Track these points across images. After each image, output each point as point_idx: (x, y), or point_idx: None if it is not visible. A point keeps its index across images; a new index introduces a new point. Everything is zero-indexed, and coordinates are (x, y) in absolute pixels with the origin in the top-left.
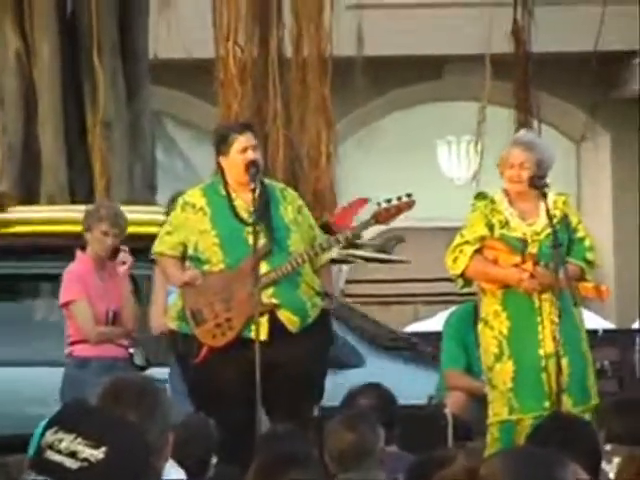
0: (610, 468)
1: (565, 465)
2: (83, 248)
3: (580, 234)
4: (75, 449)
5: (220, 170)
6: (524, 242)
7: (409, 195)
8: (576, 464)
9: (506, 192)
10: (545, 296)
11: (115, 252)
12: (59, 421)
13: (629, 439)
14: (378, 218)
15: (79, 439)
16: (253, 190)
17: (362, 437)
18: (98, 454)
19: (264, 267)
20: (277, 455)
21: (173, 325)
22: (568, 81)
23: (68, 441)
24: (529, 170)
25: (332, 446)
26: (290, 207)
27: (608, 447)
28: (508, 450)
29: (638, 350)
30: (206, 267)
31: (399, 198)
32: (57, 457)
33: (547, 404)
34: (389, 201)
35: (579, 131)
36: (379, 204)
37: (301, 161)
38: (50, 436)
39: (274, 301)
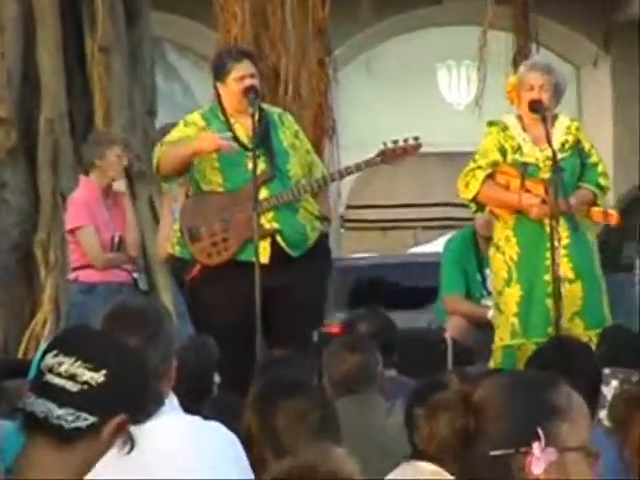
0: (608, 390)
1: (558, 387)
2: (86, 173)
3: (593, 159)
4: (75, 372)
5: (218, 97)
6: (535, 167)
7: (416, 138)
8: (570, 386)
9: (519, 117)
10: (557, 221)
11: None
12: (59, 344)
13: (627, 362)
14: (384, 158)
15: (79, 362)
16: (252, 115)
17: (365, 359)
18: (98, 377)
19: (264, 192)
20: (275, 381)
21: (172, 250)
22: (569, 6)
23: (68, 364)
24: (548, 92)
25: (334, 369)
26: (288, 131)
27: (607, 370)
28: (501, 374)
29: (638, 274)
30: (206, 188)
31: (405, 140)
32: (57, 380)
33: (550, 330)
34: (396, 142)
35: (579, 55)
36: (385, 144)
37: (299, 86)
38: (50, 359)
39: (275, 225)
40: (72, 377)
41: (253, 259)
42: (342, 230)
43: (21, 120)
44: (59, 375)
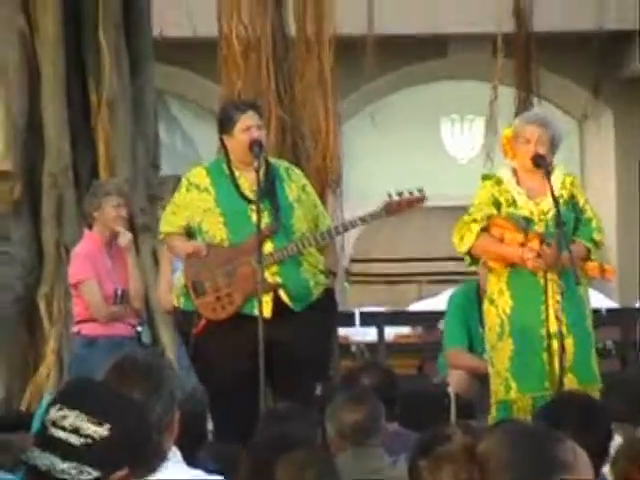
0: (612, 446)
1: (563, 442)
2: (89, 226)
3: (587, 214)
4: (79, 425)
5: (224, 148)
6: (527, 221)
7: (420, 190)
8: (580, 442)
9: (514, 171)
10: (551, 276)
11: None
12: (63, 398)
13: (631, 417)
14: (388, 210)
15: (83, 415)
16: (257, 170)
17: (372, 412)
18: (102, 431)
19: (268, 246)
20: (276, 435)
21: (177, 302)
22: (571, 60)
23: (72, 417)
24: (544, 146)
25: (341, 422)
26: (294, 185)
27: (611, 426)
28: (505, 425)
29: None
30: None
31: (411, 192)
32: (61, 434)
33: (547, 384)
34: (400, 194)
35: (582, 109)
36: (390, 196)
37: (303, 139)
38: (54, 413)
39: (277, 280)
40: (76, 431)
41: (256, 313)
42: (346, 284)
43: (25, 173)
44: (63, 429)
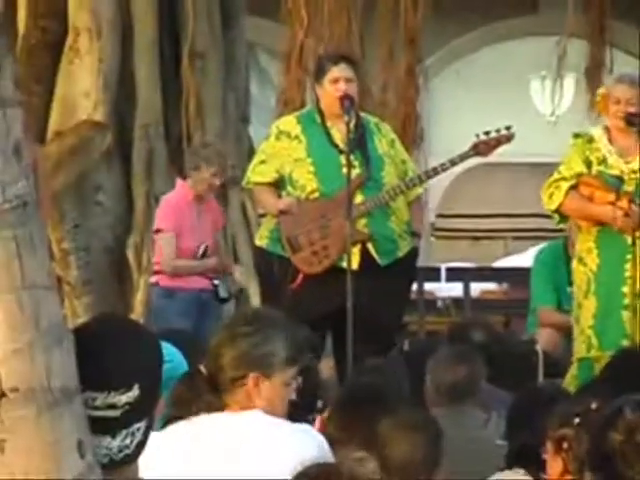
0: None
1: None
2: (184, 177)
3: None
4: (112, 401)
5: (316, 99)
6: (620, 179)
7: (508, 128)
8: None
9: (606, 128)
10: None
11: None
12: (85, 381)
13: None
14: (478, 150)
15: (112, 393)
16: (347, 123)
17: (472, 372)
18: (134, 393)
19: (359, 197)
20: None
21: (263, 243)
22: None
23: (102, 398)
24: (635, 106)
25: (440, 379)
26: (384, 140)
27: None
28: None
29: None
30: (301, 195)
31: (498, 131)
32: (96, 413)
33: (626, 343)
34: (487, 133)
35: None
36: (478, 136)
37: (383, 97)
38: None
39: (366, 231)
40: (111, 406)
41: (344, 265)
42: (432, 238)
43: (116, 124)
44: (96, 408)
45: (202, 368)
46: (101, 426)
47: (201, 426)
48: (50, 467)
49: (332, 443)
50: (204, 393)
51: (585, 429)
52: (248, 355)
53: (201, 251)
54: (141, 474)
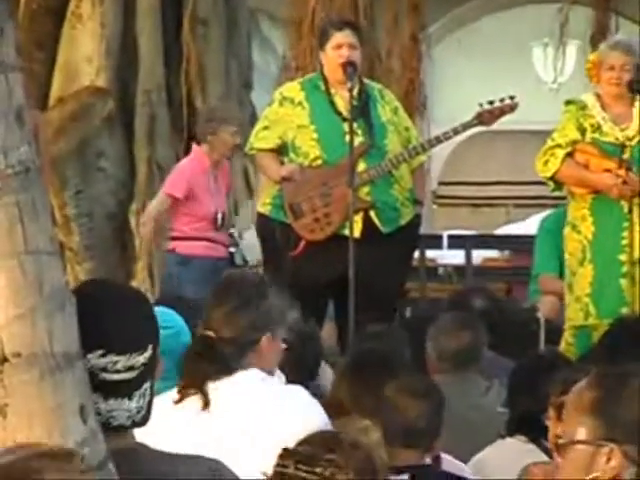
0: None
1: None
2: (198, 143)
3: None
4: (132, 363)
5: (320, 65)
6: (622, 146)
7: (512, 97)
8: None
9: (598, 96)
10: (637, 201)
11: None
12: (105, 344)
13: None
14: (481, 119)
15: (133, 354)
16: (350, 90)
17: (476, 339)
18: (148, 352)
19: (361, 165)
20: (370, 354)
21: (265, 210)
22: None
23: (124, 361)
24: (629, 73)
25: (444, 345)
26: (388, 107)
27: None
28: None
29: None
30: (304, 162)
31: (502, 100)
32: (116, 376)
33: (624, 310)
34: (491, 103)
35: None
36: (481, 105)
37: (391, 61)
38: (99, 359)
39: (369, 199)
40: (130, 368)
41: (347, 233)
42: (434, 206)
43: (119, 90)
44: (117, 372)
45: (211, 333)
46: (120, 389)
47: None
48: (52, 432)
49: (339, 409)
50: (216, 358)
51: None
52: (262, 318)
53: (220, 217)
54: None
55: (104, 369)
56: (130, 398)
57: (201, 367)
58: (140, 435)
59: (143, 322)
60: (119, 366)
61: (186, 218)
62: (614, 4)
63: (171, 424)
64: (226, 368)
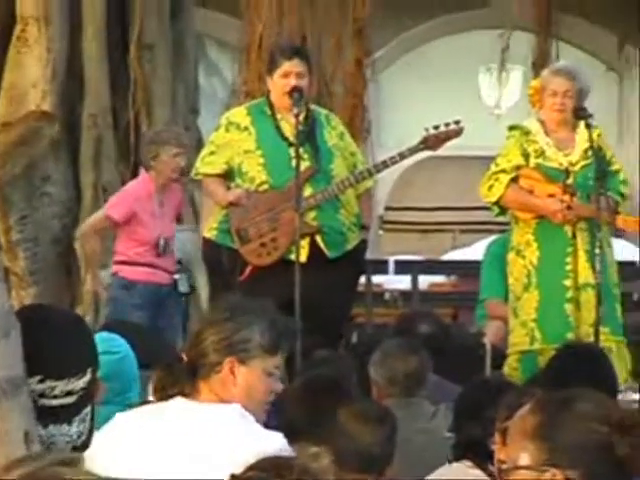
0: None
1: None
2: (146, 169)
3: (615, 167)
4: (70, 388)
5: (267, 90)
6: (566, 171)
7: (457, 122)
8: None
9: (542, 121)
10: (580, 226)
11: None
12: (43, 369)
13: None
14: (428, 143)
15: (71, 379)
16: (297, 115)
17: (423, 363)
18: (87, 377)
19: (308, 189)
20: (320, 380)
21: (212, 235)
22: (610, 10)
23: (62, 386)
24: (572, 99)
25: (393, 370)
26: (334, 132)
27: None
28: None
29: None
30: (251, 187)
31: (447, 124)
32: (55, 402)
33: (570, 335)
34: (437, 127)
35: (621, 62)
36: (427, 130)
37: (330, 89)
38: (37, 385)
39: (315, 224)
40: (69, 393)
41: (293, 257)
42: (380, 232)
43: (65, 114)
44: (55, 397)
45: (183, 356)
46: (59, 414)
47: (166, 410)
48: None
49: (290, 435)
50: (182, 381)
51: None
52: (227, 339)
53: (162, 244)
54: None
55: (42, 394)
56: (70, 423)
57: (168, 387)
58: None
59: (81, 347)
60: (57, 391)
61: (129, 242)
62: (555, 29)
63: (127, 442)
64: (192, 391)
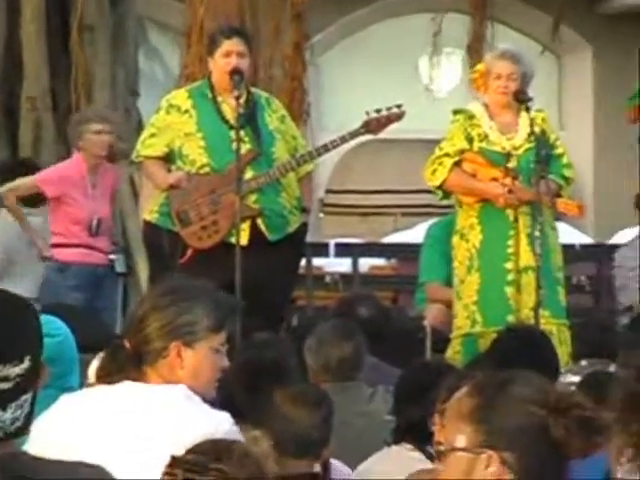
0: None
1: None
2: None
3: (558, 150)
4: (5, 374)
5: (208, 73)
6: (508, 155)
7: (399, 106)
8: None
9: (486, 105)
10: (522, 209)
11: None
12: None
13: (601, 353)
14: (369, 127)
15: (6, 366)
16: (237, 97)
17: (358, 348)
18: (25, 364)
19: (249, 172)
20: (260, 362)
21: (152, 218)
22: None
23: None
24: (516, 82)
25: (327, 355)
26: (275, 115)
27: (583, 362)
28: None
29: (615, 265)
30: (192, 169)
31: (389, 108)
32: None
33: (511, 318)
34: (378, 111)
35: (562, 45)
36: (368, 113)
37: (270, 72)
38: None
39: (257, 207)
40: (4, 378)
41: (234, 241)
42: (321, 214)
43: (3, 96)
44: None
45: (125, 342)
46: None
47: (113, 392)
48: None
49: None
50: (128, 367)
51: None
52: (171, 324)
53: (94, 224)
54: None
55: None
56: (4, 409)
57: (112, 374)
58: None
59: (19, 332)
60: None
61: (62, 222)
62: (490, 11)
63: (70, 423)
64: (138, 378)
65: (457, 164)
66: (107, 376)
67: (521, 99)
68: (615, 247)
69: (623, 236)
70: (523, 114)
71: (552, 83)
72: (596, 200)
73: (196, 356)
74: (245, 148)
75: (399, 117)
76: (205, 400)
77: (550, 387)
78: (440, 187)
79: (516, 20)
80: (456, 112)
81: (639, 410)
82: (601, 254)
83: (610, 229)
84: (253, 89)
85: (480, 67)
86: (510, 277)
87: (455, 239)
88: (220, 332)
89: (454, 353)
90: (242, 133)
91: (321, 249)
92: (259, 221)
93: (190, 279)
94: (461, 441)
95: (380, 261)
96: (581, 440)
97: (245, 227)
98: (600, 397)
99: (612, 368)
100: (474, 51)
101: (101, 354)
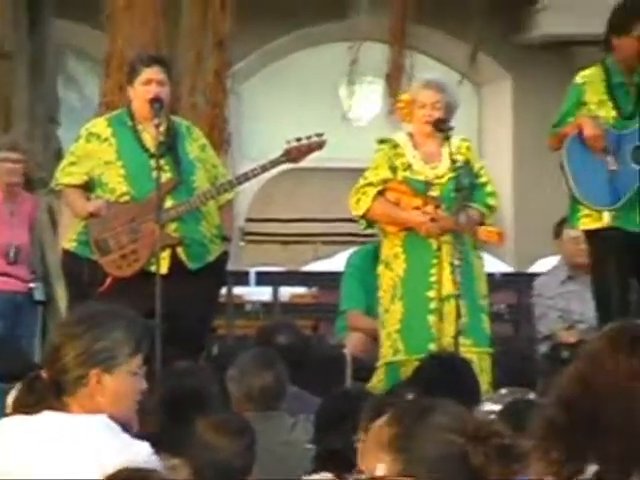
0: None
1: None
2: None
3: (482, 179)
4: None
5: (128, 101)
6: (427, 184)
7: (319, 135)
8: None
9: (410, 135)
10: (445, 238)
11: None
12: None
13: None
14: (289, 156)
15: None
16: (157, 126)
17: (279, 377)
18: None
19: (169, 201)
20: (181, 390)
21: (71, 246)
22: (463, 19)
23: None
24: (440, 111)
25: (249, 385)
26: (195, 144)
27: (503, 391)
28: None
29: (535, 294)
30: (111, 198)
31: (309, 137)
32: None
33: (433, 346)
34: (299, 140)
35: (482, 74)
36: (289, 142)
37: (191, 100)
38: None
39: (177, 235)
40: None
41: (154, 269)
42: (241, 243)
43: None
44: None
45: (43, 372)
46: None
47: (33, 422)
48: None
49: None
50: (48, 397)
51: None
52: (88, 352)
53: (13, 252)
54: None
55: None
56: None
57: (30, 406)
58: None
59: None
60: None
61: None
62: (409, 41)
63: None
64: (58, 408)
65: (381, 193)
66: (24, 407)
67: (441, 128)
68: (535, 276)
69: (543, 265)
70: (447, 143)
71: (472, 112)
72: (516, 229)
73: (115, 381)
74: (165, 177)
75: (320, 146)
76: (125, 429)
77: (468, 415)
78: (364, 216)
79: (435, 49)
80: (381, 141)
81: (559, 438)
82: (521, 283)
83: (530, 258)
84: (173, 117)
85: (405, 96)
86: (432, 305)
87: (380, 268)
88: (137, 354)
89: (378, 382)
90: (162, 162)
91: (242, 277)
92: (179, 250)
93: (103, 305)
94: (381, 470)
95: (301, 290)
96: (500, 467)
97: (165, 256)
98: (520, 425)
99: (531, 396)
100: (393, 80)
101: (18, 385)
